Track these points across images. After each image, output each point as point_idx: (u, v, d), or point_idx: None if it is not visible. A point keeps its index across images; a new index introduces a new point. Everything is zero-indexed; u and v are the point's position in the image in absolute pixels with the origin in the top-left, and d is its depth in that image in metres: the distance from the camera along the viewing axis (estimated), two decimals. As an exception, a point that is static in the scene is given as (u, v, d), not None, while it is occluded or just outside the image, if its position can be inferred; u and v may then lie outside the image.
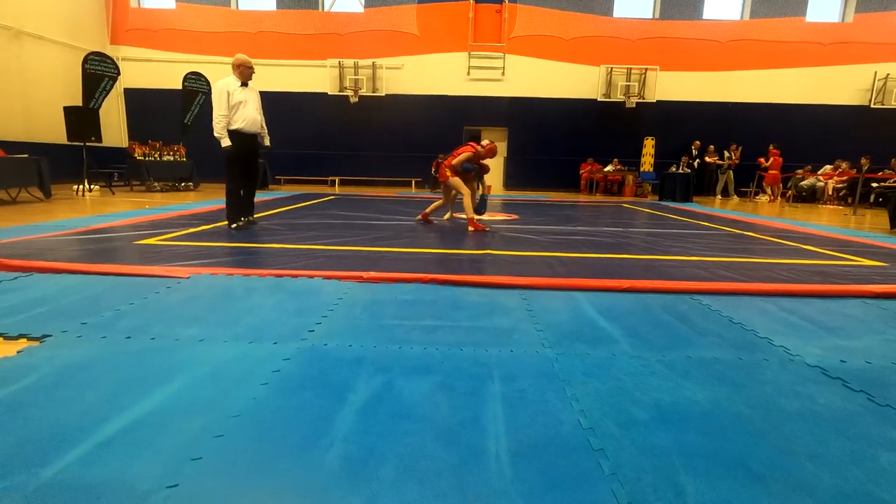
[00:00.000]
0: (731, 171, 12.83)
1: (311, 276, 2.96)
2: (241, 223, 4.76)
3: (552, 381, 1.67)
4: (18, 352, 1.78)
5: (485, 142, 5.43)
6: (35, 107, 11.16)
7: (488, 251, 3.96)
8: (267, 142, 5.04)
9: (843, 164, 11.31)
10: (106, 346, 1.86)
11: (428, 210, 5.72)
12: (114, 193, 8.89)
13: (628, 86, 13.32)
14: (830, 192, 11.30)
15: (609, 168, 13.49)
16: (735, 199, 12.50)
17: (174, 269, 3.01)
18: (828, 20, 13.45)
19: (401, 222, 5.73)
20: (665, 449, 1.27)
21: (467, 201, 5.11)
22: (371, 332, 2.09)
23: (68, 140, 9.03)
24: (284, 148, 13.63)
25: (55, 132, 10.50)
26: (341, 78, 13.54)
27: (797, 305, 2.65)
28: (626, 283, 2.92)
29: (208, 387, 1.55)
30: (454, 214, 6.20)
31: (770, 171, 12.09)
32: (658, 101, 13.39)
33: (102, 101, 9.59)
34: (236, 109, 4.60)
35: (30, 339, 1.92)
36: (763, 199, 12.12)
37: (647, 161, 13.48)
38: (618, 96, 13.41)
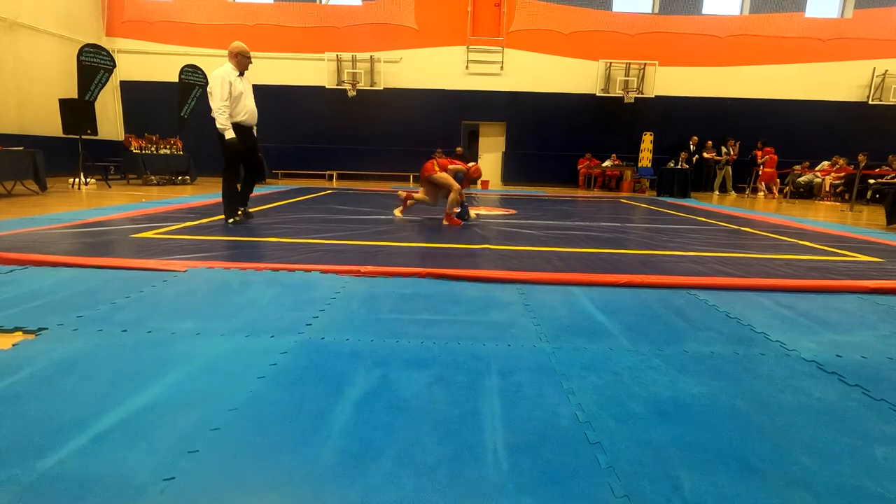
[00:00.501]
0: (729, 167, 12.84)
1: (308, 270, 2.95)
2: (237, 217, 4.73)
3: (549, 374, 1.67)
4: (14, 345, 1.77)
5: (471, 164, 5.51)
6: (30, 99, 11.07)
7: (486, 245, 3.96)
8: (254, 133, 4.98)
9: (840, 160, 11.32)
10: (102, 339, 1.85)
11: (409, 202, 5.66)
12: (110, 187, 8.84)
13: (627, 81, 13.29)
14: (828, 189, 11.32)
15: (607, 163, 13.48)
16: (733, 194, 12.52)
17: (171, 262, 3.00)
18: (827, 16, 13.43)
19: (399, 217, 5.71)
20: (662, 442, 1.28)
21: (454, 196, 5.09)
22: (368, 325, 2.09)
23: (64, 133, 8.95)
24: (281, 142, 13.61)
25: (50, 125, 10.42)
26: (339, 71, 13.46)
27: (794, 301, 2.65)
28: (624, 278, 2.92)
29: (205, 380, 1.55)
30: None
31: (765, 170, 12.10)
32: (657, 97, 13.37)
33: (98, 93, 9.52)
34: (237, 101, 4.49)
35: (25, 332, 1.91)
36: (759, 196, 12.13)
37: (646, 156, 13.48)
38: (616, 91, 13.38)
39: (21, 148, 7.27)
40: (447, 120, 13.74)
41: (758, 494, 1.08)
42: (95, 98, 9.45)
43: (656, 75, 13.27)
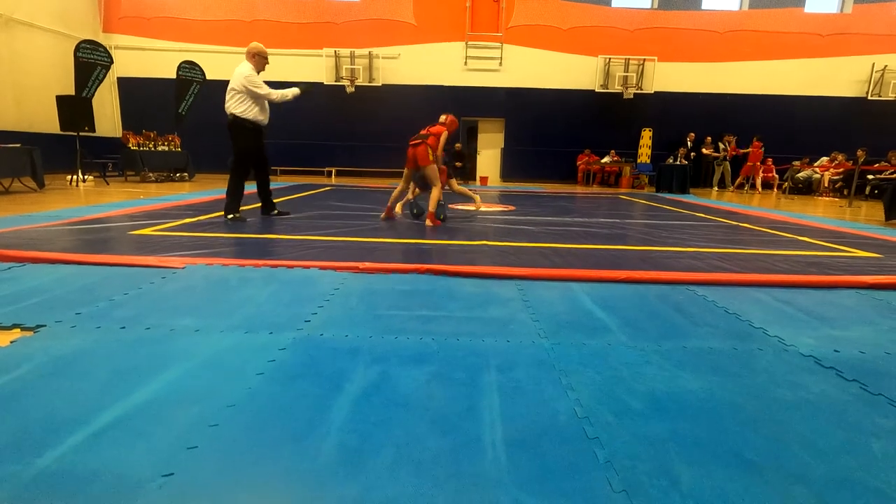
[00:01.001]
0: (727, 163, 12.82)
1: (306, 267, 2.95)
2: (237, 215, 4.73)
3: (548, 370, 1.67)
4: (12, 342, 1.77)
5: (441, 118, 5.04)
6: (27, 96, 11.01)
7: (485, 242, 3.96)
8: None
9: (839, 155, 11.32)
10: (100, 336, 1.85)
11: (390, 204, 5.21)
12: (108, 184, 8.82)
13: (626, 76, 13.26)
14: (826, 184, 11.32)
15: (606, 159, 13.46)
16: (732, 190, 12.51)
17: (169, 259, 2.99)
18: (826, 11, 13.39)
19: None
20: (660, 438, 1.28)
21: (437, 193, 4.80)
22: (367, 322, 2.09)
23: (61, 130, 8.92)
24: (280, 139, 13.54)
25: (48, 122, 10.37)
26: (337, 67, 13.41)
27: (792, 296, 2.66)
28: (623, 274, 2.92)
29: (203, 376, 1.55)
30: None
31: (747, 163, 12.07)
32: (656, 92, 13.34)
33: (95, 90, 9.48)
34: (261, 102, 4.56)
35: (24, 329, 1.91)
36: (749, 191, 12.11)
37: (645, 152, 13.46)
38: (615, 87, 13.34)
39: (18, 145, 7.24)
40: (446, 116, 13.69)
41: (756, 489, 1.09)
42: (93, 95, 9.40)
43: (655, 71, 13.24)
